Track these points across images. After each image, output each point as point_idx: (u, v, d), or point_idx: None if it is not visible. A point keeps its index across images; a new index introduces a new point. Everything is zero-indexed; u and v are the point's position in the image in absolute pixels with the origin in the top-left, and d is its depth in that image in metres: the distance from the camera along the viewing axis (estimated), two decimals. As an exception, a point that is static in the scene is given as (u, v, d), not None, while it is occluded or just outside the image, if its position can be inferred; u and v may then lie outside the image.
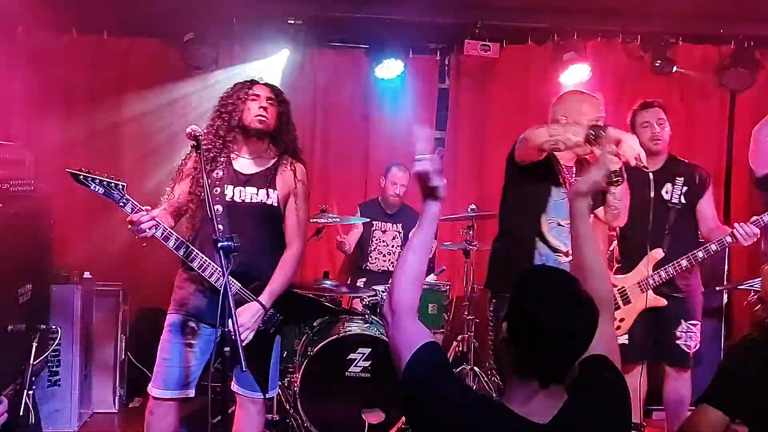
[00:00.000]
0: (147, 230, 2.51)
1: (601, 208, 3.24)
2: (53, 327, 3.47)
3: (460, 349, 4.64)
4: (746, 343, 2.09)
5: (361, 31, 5.02)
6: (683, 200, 3.60)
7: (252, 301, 2.76)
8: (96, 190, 2.44)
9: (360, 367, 3.89)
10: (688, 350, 3.66)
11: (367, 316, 4.14)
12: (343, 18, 4.88)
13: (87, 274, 4.15)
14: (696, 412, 2.09)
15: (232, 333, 2.21)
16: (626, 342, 3.64)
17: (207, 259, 2.66)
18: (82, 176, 2.43)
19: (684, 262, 3.52)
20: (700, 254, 3.52)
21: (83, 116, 4.89)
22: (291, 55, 4.90)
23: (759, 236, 3.42)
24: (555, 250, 3.04)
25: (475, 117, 5.41)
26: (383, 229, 4.95)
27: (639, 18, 4.95)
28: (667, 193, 3.61)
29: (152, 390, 2.76)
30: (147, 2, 4.54)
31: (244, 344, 2.39)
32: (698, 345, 3.70)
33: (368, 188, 5.33)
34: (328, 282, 4.31)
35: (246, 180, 2.81)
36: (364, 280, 4.83)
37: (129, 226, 2.52)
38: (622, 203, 3.10)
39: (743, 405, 2.01)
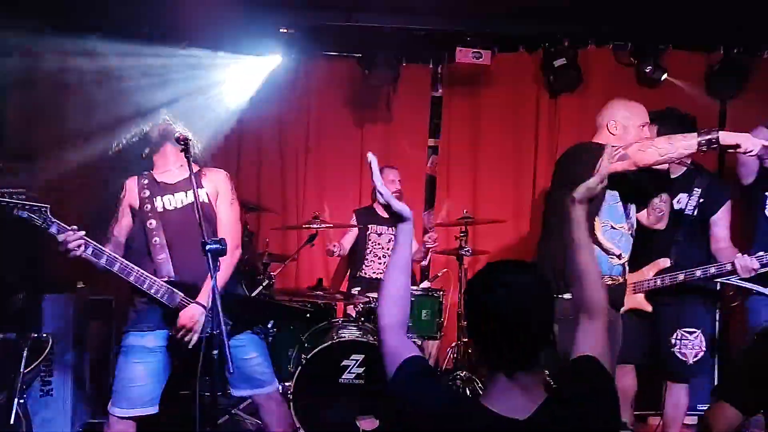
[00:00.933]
0: (76, 249, 2.54)
1: (644, 210, 3.27)
2: (44, 335, 3.46)
3: (455, 355, 4.64)
4: (760, 338, 2.06)
5: (354, 40, 5.04)
6: (696, 212, 3.56)
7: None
8: (20, 215, 2.49)
9: (353, 373, 3.89)
10: (684, 359, 3.59)
11: (360, 322, 4.14)
12: (335, 27, 4.91)
13: (80, 284, 4.15)
14: (712, 408, 2.08)
15: (220, 335, 2.21)
16: None
17: (143, 272, 2.70)
18: (4, 202, 2.48)
19: (681, 277, 3.48)
20: (698, 273, 3.45)
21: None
22: (284, 63, 4.92)
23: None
24: (608, 253, 3.01)
25: (468, 124, 5.44)
26: (379, 232, 4.97)
27: (629, 25, 4.98)
28: (679, 202, 3.58)
29: (112, 409, 2.79)
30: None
31: (189, 347, 2.46)
32: (699, 354, 3.61)
33: (362, 195, 5.35)
34: (322, 290, 4.32)
35: (173, 187, 2.88)
36: (358, 289, 4.83)
37: (59, 249, 2.55)
38: (666, 206, 3.12)
39: (757, 402, 1.99)
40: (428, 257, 5.21)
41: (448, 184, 5.48)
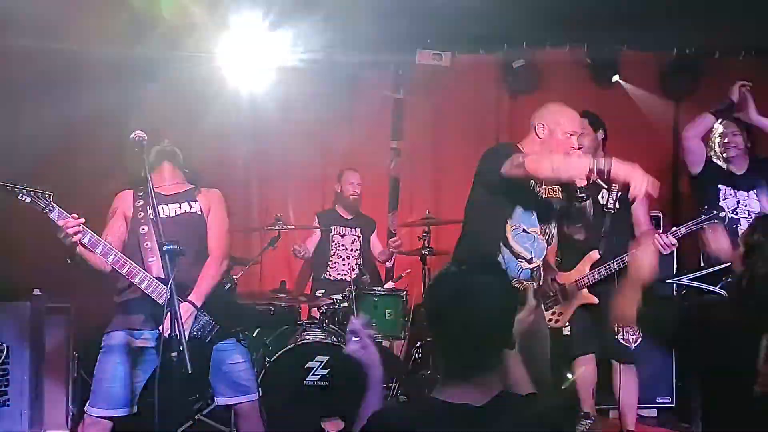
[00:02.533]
0: (73, 236, 2.59)
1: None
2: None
3: (420, 355, 4.66)
4: None
5: (315, 41, 5.03)
6: (618, 205, 3.70)
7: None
8: (23, 199, 2.58)
9: (318, 375, 3.89)
10: (627, 344, 3.86)
11: (324, 324, 4.14)
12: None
13: (36, 291, 4.05)
14: None
15: (177, 337, 2.19)
16: (568, 334, 3.83)
17: (137, 266, 2.76)
18: (9, 187, 2.57)
19: (613, 265, 3.68)
20: (627, 257, 3.60)
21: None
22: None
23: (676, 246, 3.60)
24: (517, 256, 3.04)
25: (430, 125, 5.48)
26: (342, 234, 4.97)
27: (585, 26, 5.08)
28: (602, 198, 3.74)
29: (90, 409, 2.82)
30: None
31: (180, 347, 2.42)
32: (640, 339, 3.89)
33: (325, 197, 5.34)
34: (285, 293, 4.30)
35: (169, 198, 3.02)
36: (323, 291, 4.83)
37: (58, 235, 2.61)
38: (583, 222, 3.18)
39: None
40: (393, 258, 5.24)
41: (412, 185, 5.51)
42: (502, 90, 5.32)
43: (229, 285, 4.08)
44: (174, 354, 2.21)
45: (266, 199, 5.34)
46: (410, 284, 4.87)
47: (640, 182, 2.56)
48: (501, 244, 3.01)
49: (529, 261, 3.04)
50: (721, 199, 3.87)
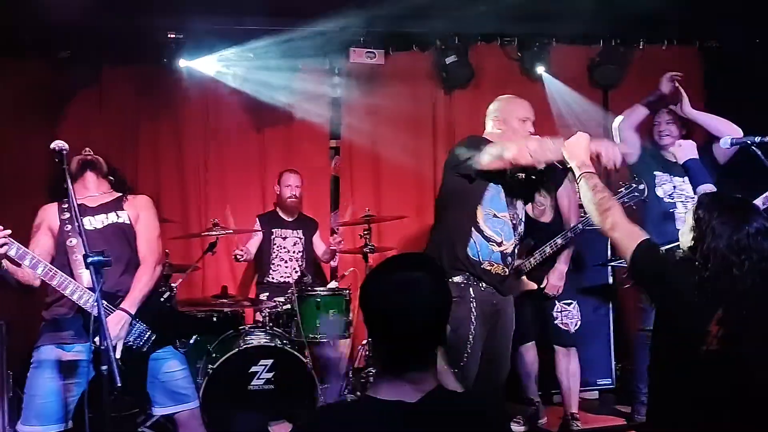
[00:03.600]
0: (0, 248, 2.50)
1: (530, 204, 3.39)
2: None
3: (366, 353, 4.67)
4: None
5: (245, 40, 4.98)
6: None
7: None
8: None
9: (263, 379, 3.87)
10: (566, 328, 4.04)
11: (268, 327, 4.11)
12: (225, 30, 4.84)
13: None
14: None
15: (106, 349, 2.15)
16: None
17: (68, 277, 2.69)
18: None
19: (548, 249, 3.87)
20: (560, 240, 3.88)
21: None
22: (176, 68, 4.81)
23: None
24: (489, 240, 3.13)
25: (367, 123, 5.48)
26: (283, 236, 4.94)
27: (514, 21, 5.17)
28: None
29: (21, 428, 2.75)
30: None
31: (116, 356, 2.45)
32: (578, 324, 4.07)
33: (266, 200, 5.30)
34: (227, 297, 4.25)
35: (95, 209, 2.97)
36: (266, 294, 4.79)
37: None
38: (548, 201, 3.24)
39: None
40: (336, 257, 5.24)
41: (352, 183, 5.52)
42: (437, 86, 5.37)
43: (168, 293, 4.03)
44: (104, 367, 2.16)
45: (205, 204, 5.26)
46: (354, 283, 4.88)
47: (611, 151, 2.67)
48: (473, 228, 3.12)
49: (500, 244, 3.13)
50: (657, 185, 4.00)
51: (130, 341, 2.80)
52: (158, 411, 2.94)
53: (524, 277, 3.98)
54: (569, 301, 4.08)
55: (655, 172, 4.01)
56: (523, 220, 3.29)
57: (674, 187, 3.98)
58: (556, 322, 4.05)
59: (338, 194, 5.62)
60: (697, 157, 3.12)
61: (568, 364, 4.07)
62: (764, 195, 3.88)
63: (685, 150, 3.14)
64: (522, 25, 5.22)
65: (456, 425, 1.60)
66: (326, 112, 5.53)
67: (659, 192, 3.99)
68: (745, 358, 2.07)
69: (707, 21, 5.18)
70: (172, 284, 4.01)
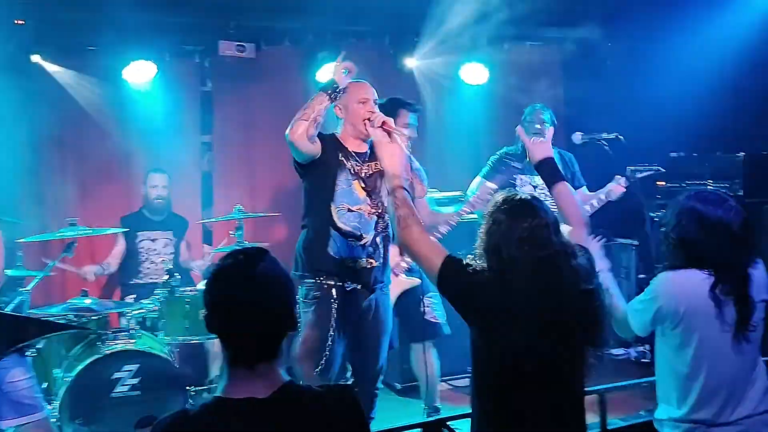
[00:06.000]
0: None
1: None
2: None
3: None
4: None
5: (107, 34, 4.72)
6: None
7: None
8: None
9: (128, 385, 3.70)
10: (434, 321, 4.06)
11: (133, 331, 3.93)
12: (83, 19, 4.57)
13: None
14: None
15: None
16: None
17: None
18: None
19: None
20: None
21: None
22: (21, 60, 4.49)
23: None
24: (348, 236, 3.13)
25: (240, 118, 5.39)
26: (152, 238, 4.76)
27: (387, 19, 5.26)
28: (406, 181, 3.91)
29: None
30: None
31: None
32: (442, 316, 4.09)
33: (131, 200, 5.05)
34: (88, 300, 4.03)
35: None
36: (134, 296, 4.60)
37: None
38: (409, 174, 3.23)
39: None
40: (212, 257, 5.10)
41: (225, 179, 5.39)
42: (309, 81, 5.34)
43: (19, 298, 3.77)
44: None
45: (60, 203, 4.93)
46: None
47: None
48: (330, 226, 3.13)
49: (359, 238, 3.15)
50: (518, 188, 4.13)
51: None
52: (3, 424, 2.75)
53: (402, 275, 3.92)
54: (434, 293, 4.08)
55: (515, 176, 4.15)
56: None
57: (535, 187, 4.11)
58: (426, 317, 4.04)
59: (211, 191, 5.46)
60: (550, 155, 3.21)
61: (430, 357, 4.07)
62: (597, 194, 4.17)
63: (539, 150, 3.21)
64: (394, 22, 5.32)
65: (307, 420, 1.61)
66: (197, 106, 5.37)
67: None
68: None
69: (568, 22, 5.51)
70: (24, 288, 3.76)
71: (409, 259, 3.74)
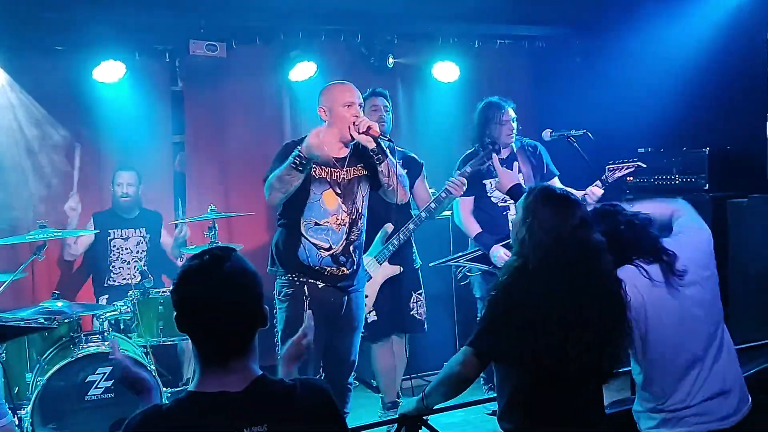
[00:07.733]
0: None
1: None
2: None
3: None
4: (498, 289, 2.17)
5: (72, 34, 4.65)
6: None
7: None
8: None
9: (101, 388, 3.67)
10: (420, 317, 4.10)
11: (106, 333, 3.90)
12: (50, 19, 4.49)
13: None
14: (462, 355, 2.16)
15: None
16: (376, 319, 3.95)
17: None
18: None
19: (402, 236, 3.92)
20: (411, 225, 3.96)
21: None
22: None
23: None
24: (317, 246, 3.20)
25: (212, 117, 5.34)
26: (125, 236, 4.71)
27: (359, 18, 5.27)
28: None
29: None
30: None
31: None
32: (425, 312, 4.15)
33: (103, 198, 4.99)
34: (60, 303, 3.98)
35: None
36: (106, 297, 4.56)
37: None
38: (392, 180, 3.25)
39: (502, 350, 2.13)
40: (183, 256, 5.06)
41: (198, 180, 5.35)
42: (281, 80, 5.33)
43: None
44: None
45: (34, 205, 4.85)
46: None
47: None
48: (300, 236, 3.20)
49: (328, 249, 3.20)
50: (489, 192, 4.20)
51: None
52: None
53: (386, 263, 3.94)
54: (421, 290, 4.13)
55: (484, 181, 4.19)
56: (367, 208, 3.35)
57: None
58: (412, 312, 4.07)
59: (183, 191, 5.42)
60: (517, 182, 3.29)
61: (399, 351, 4.10)
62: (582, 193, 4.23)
63: (506, 178, 3.30)
64: (366, 21, 5.33)
65: (280, 412, 1.63)
66: (168, 106, 5.32)
67: (493, 199, 4.22)
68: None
69: (538, 20, 5.57)
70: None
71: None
